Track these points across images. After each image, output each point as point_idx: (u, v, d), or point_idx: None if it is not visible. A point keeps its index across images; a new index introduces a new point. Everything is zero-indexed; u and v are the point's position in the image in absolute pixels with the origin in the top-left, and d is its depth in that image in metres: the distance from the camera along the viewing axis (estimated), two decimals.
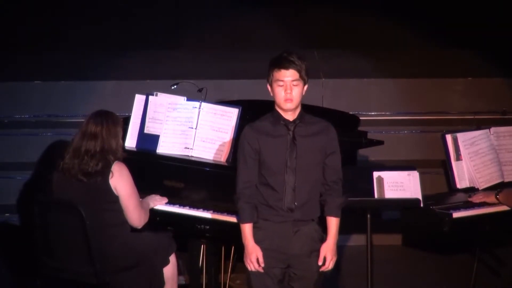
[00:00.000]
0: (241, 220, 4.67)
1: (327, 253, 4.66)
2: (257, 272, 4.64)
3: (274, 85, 4.62)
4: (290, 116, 4.65)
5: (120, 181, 5.08)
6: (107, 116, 5.16)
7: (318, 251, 4.67)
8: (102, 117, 5.14)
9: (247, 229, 4.65)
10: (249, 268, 4.65)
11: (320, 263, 4.66)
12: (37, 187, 5.29)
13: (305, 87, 4.66)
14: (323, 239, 4.70)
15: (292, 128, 4.64)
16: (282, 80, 4.59)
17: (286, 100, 4.59)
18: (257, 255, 4.62)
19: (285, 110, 4.64)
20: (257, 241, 4.64)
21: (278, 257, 4.65)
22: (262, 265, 4.62)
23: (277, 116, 4.66)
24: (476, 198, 5.59)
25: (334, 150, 4.71)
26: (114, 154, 5.10)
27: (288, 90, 4.58)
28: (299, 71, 4.60)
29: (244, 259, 4.67)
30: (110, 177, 5.06)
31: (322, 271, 4.70)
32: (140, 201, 5.21)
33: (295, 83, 4.60)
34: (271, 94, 4.67)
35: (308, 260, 4.67)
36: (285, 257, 4.65)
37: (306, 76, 4.64)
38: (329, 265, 4.68)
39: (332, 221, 4.69)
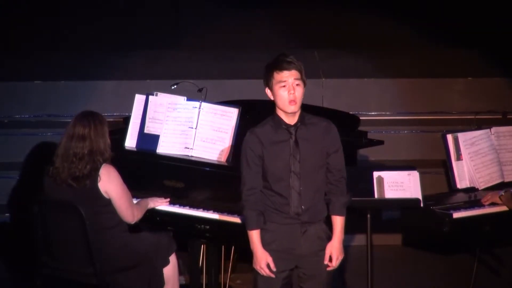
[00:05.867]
0: (248, 227, 4.65)
1: (333, 252, 4.66)
2: (266, 276, 4.64)
3: (276, 87, 4.58)
4: (291, 120, 4.63)
5: (109, 184, 5.06)
6: (93, 117, 5.12)
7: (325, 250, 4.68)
8: (88, 118, 5.10)
9: (254, 235, 4.63)
10: (261, 273, 4.64)
11: (326, 262, 4.65)
12: (36, 187, 5.28)
13: (304, 89, 4.65)
14: (330, 238, 4.70)
15: (293, 132, 4.62)
16: (284, 81, 4.56)
17: (290, 101, 4.56)
18: (267, 261, 4.61)
19: (287, 114, 4.61)
20: (265, 243, 4.63)
21: (287, 258, 4.63)
22: (274, 269, 4.61)
23: (278, 121, 4.64)
24: (485, 199, 5.58)
25: (336, 149, 4.69)
26: (102, 155, 5.07)
27: (291, 90, 4.56)
28: (300, 71, 4.59)
29: (254, 265, 4.66)
30: (98, 181, 5.04)
31: (330, 271, 4.69)
32: (131, 198, 5.18)
33: (297, 82, 4.58)
34: (271, 98, 4.63)
35: (316, 259, 4.65)
36: (293, 257, 4.64)
37: (305, 77, 4.64)
38: (335, 264, 4.67)
39: (337, 220, 4.69)
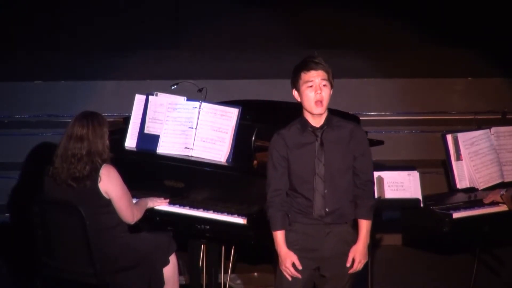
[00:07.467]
0: (273, 228, 4.65)
1: (356, 255, 4.64)
2: (290, 275, 4.63)
3: (303, 88, 4.59)
4: (317, 122, 4.63)
5: (109, 185, 5.06)
6: (92, 117, 5.10)
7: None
8: (87, 119, 5.08)
9: (279, 236, 4.63)
10: (286, 275, 4.63)
11: (348, 264, 4.64)
12: (36, 187, 5.28)
13: (331, 91, 4.64)
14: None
15: (319, 134, 4.62)
16: (311, 81, 4.57)
17: (316, 102, 4.56)
18: (292, 260, 4.61)
19: (314, 115, 4.61)
20: (289, 242, 4.63)
21: (310, 257, 4.63)
22: (300, 268, 4.60)
23: (305, 123, 4.64)
24: (487, 199, 5.58)
25: (362, 152, 4.67)
26: (100, 156, 5.06)
27: (318, 90, 4.56)
28: (327, 72, 4.60)
29: (279, 266, 4.66)
30: (98, 181, 5.03)
31: (352, 274, 4.68)
32: (131, 199, 5.18)
33: (324, 83, 4.58)
34: (298, 100, 4.64)
35: (339, 262, 4.64)
36: (315, 258, 4.63)
37: (332, 79, 4.64)
38: (357, 267, 4.65)
39: (363, 223, 4.67)
